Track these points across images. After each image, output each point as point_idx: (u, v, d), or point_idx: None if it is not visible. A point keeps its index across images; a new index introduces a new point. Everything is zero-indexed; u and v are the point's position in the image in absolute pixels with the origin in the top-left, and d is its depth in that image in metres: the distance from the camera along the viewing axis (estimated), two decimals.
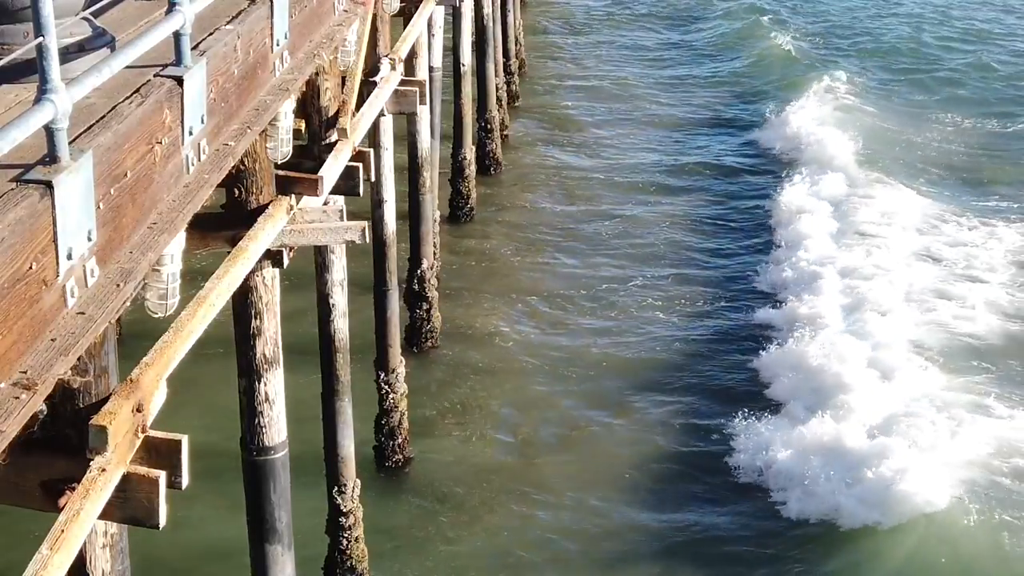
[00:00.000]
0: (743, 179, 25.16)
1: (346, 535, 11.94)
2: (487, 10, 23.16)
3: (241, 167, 7.91)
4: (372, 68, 11.70)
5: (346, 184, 9.50)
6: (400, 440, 14.69)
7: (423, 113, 15.99)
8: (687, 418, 16.13)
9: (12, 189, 4.65)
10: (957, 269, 20.47)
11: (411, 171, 17.00)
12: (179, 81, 6.10)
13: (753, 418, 15.77)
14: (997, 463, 14.61)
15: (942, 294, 19.48)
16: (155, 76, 6.07)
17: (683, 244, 21.71)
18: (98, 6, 6.22)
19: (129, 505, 5.30)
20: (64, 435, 5.27)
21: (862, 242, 21.39)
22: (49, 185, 4.70)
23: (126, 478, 5.27)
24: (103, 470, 5.09)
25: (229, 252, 7.52)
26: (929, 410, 15.54)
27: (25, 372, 4.55)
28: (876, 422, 15.39)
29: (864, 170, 24.89)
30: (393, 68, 12.13)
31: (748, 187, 24.70)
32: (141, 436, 5.42)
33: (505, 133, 25.93)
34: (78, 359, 4.97)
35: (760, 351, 17.66)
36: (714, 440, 15.64)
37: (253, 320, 8.50)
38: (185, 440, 5.52)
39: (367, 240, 9.27)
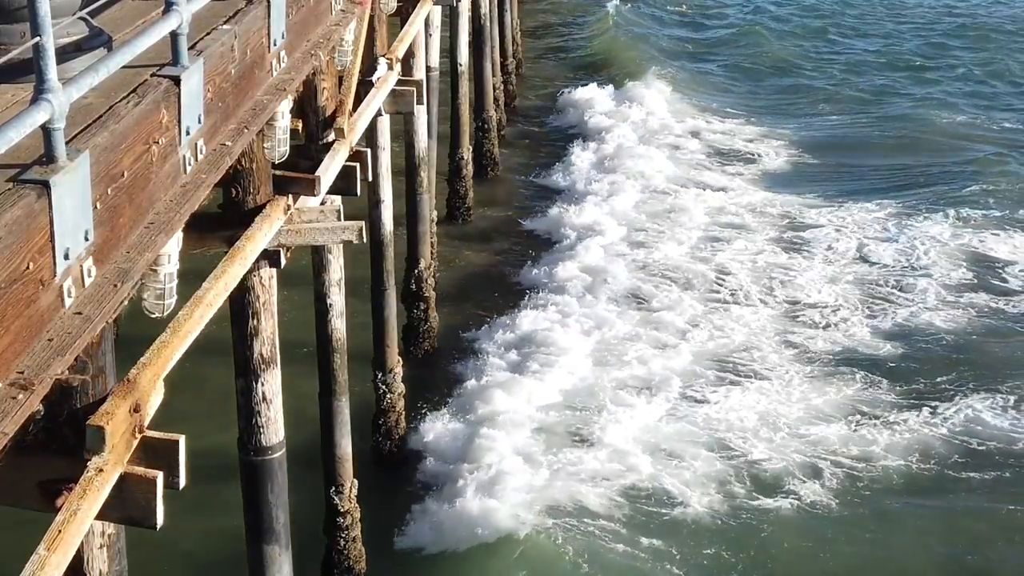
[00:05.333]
0: None
1: (343, 535, 11.94)
2: (484, 10, 23.14)
3: (238, 167, 7.90)
4: (369, 68, 11.71)
5: (343, 184, 9.50)
6: (398, 440, 14.69)
7: (420, 113, 15.98)
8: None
9: (9, 189, 4.65)
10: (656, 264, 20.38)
11: (408, 171, 17.00)
12: (176, 81, 6.10)
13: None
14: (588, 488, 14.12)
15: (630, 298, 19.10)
16: (152, 76, 6.07)
17: None
18: (95, 6, 6.21)
19: (126, 505, 5.28)
20: (61, 435, 5.26)
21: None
22: (46, 185, 4.69)
23: (123, 478, 5.26)
24: (100, 470, 5.08)
25: (226, 252, 7.52)
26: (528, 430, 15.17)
27: (22, 372, 4.55)
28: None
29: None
30: (390, 68, 12.13)
31: None
32: (138, 436, 5.42)
33: (502, 133, 25.92)
34: (75, 359, 4.96)
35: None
36: None
37: (250, 320, 8.50)
38: (183, 440, 5.51)
39: (364, 240, 9.27)
